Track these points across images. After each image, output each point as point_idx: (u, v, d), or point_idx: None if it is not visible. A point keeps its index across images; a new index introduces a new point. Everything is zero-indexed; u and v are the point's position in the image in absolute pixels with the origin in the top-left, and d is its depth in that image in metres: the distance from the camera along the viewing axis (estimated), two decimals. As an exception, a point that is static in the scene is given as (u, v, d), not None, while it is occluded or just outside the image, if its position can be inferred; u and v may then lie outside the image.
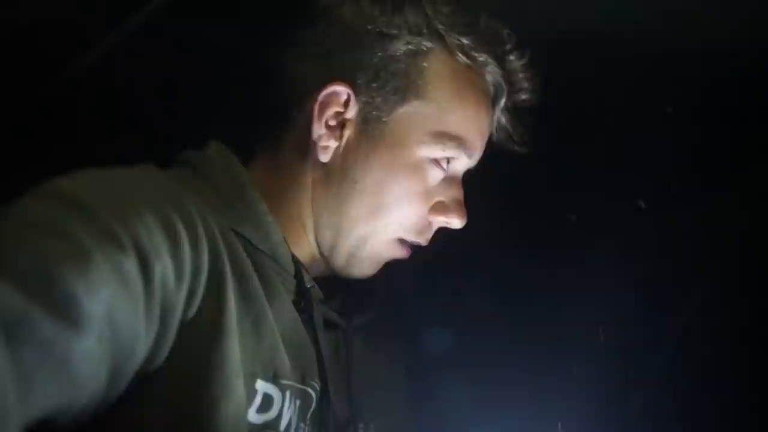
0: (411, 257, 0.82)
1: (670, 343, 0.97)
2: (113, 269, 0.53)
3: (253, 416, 0.66)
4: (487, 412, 0.96)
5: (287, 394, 0.69)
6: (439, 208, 0.78)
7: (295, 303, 0.74)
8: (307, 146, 0.76)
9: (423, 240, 0.79)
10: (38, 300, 0.48)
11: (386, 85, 0.74)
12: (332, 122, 0.75)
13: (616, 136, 0.98)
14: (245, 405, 0.64)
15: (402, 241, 0.78)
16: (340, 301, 0.84)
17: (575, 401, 0.95)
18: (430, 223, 0.78)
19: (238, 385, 0.63)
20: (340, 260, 0.78)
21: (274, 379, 0.68)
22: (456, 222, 0.78)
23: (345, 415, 0.77)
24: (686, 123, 0.95)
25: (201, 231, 0.63)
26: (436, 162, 0.75)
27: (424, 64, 0.74)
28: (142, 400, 0.58)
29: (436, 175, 0.76)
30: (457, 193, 0.78)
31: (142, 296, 0.55)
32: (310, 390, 0.73)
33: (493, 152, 0.85)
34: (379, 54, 0.74)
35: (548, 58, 0.79)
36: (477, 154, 0.79)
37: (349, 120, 0.75)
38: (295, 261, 0.75)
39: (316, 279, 0.78)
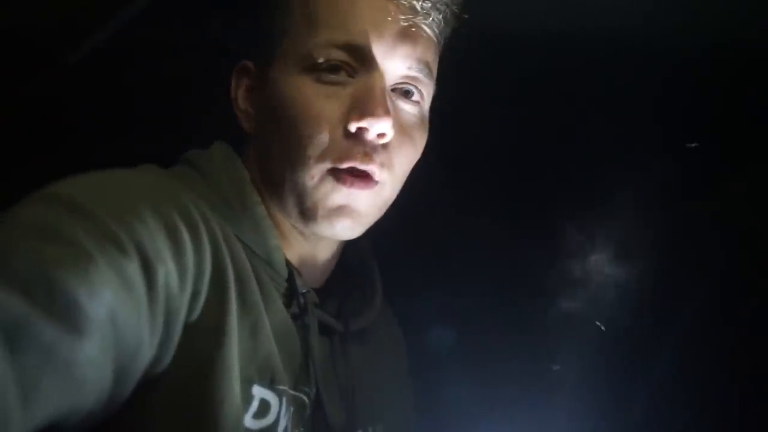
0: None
1: (673, 342, 0.97)
2: (115, 273, 0.53)
3: (249, 422, 0.65)
4: (490, 412, 0.96)
5: (284, 400, 0.69)
6: (351, 114, 0.69)
7: (288, 307, 0.73)
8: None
9: (361, 160, 0.69)
10: (40, 305, 0.47)
11: (268, 40, 0.74)
12: (247, 96, 0.77)
13: (617, 132, 0.98)
14: (242, 410, 0.64)
15: (337, 173, 0.70)
16: (336, 305, 0.82)
17: (578, 400, 0.95)
18: (352, 135, 0.69)
19: (237, 389, 0.63)
20: (298, 218, 0.72)
21: (271, 384, 0.68)
22: (368, 120, 0.68)
23: (341, 422, 0.77)
24: (688, 122, 0.95)
25: (204, 234, 0.63)
26: (315, 70, 0.69)
27: (288, 1, 0.73)
28: (146, 403, 0.58)
29: (320, 82, 0.70)
30: (365, 90, 0.69)
31: (145, 300, 0.55)
32: (303, 396, 0.73)
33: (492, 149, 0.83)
34: (257, 18, 0.76)
35: (550, 54, 0.78)
36: (364, 37, 0.69)
37: (254, 86, 0.76)
38: (289, 265, 0.74)
39: (313, 284, 0.78)
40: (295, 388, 0.71)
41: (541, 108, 1.00)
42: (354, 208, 0.72)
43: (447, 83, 0.78)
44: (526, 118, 1.02)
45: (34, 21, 0.87)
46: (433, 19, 0.72)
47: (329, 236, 0.75)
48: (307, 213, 0.71)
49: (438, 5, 0.72)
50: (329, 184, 0.70)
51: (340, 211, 0.71)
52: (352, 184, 0.70)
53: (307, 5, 0.71)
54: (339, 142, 0.69)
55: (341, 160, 0.69)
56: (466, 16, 0.75)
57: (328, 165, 0.70)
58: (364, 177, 0.70)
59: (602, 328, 0.98)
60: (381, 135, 0.69)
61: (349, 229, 0.73)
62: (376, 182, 0.71)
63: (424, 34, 0.72)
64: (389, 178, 0.73)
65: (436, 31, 0.74)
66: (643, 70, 0.94)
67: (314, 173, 0.70)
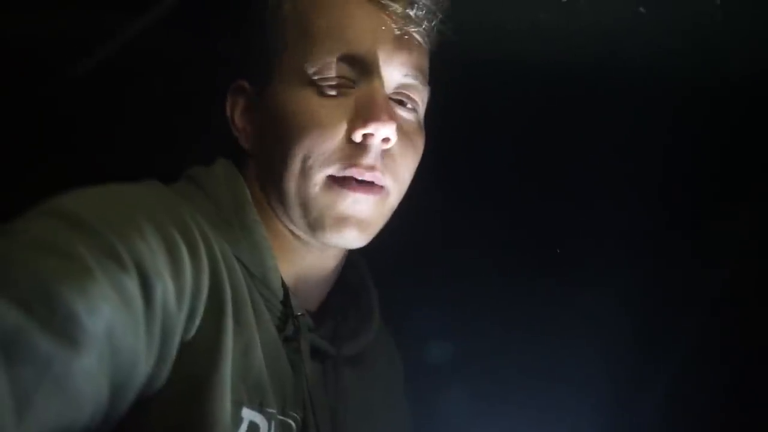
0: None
1: (673, 356, 0.97)
2: (114, 288, 0.53)
3: None
4: (488, 425, 0.96)
5: (272, 423, 0.68)
6: (355, 122, 0.69)
7: (280, 330, 0.73)
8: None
9: (361, 167, 0.70)
10: (38, 318, 0.47)
11: (263, 58, 0.74)
12: (244, 114, 0.77)
13: (615, 157, 0.99)
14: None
15: (342, 180, 0.70)
16: (331, 327, 0.81)
17: (576, 417, 0.95)
18: (357, 144, 0.70)
19: (228, 410, 0.62)
20: (307, 229, 0.72)
21: (260, 407, 0.67)
22: (374, 126, 0.68)
23: None
24: (686, 147, 0.96)
25: (203, 253, 0.63)
26: (316, 84, 0.70)
27: (282, 18, 0.73)
28: (140, 423, 0.57)
29: (322, 94, 0.70)
30: (367, 99, 0.70)
31: (143, 316, 0.55)
32: (290, 421, 0.72)
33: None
34: (252, 37, 0.76)
35: (552, 76, 0.79)
36: (361, 48, 0.70)
37: (252, 105, 0.76)
38: (285, 287, 0.74)
39: (310, 305, 0.78)
40: (283, 412, 0.71)
41: (539, 133, 1.01)
42: (361, 217, 0.72)
43: (453, 99, 0.79)
44: (524, 137, 1.04)
45: (38, 33, 0.87)
46: (424, 27, 0.73)
47: (338, 246, 0.75)
48: (314, 223, 0.71)
49: (429, 14, 0.73)
50: (334, 191, 0.70)
51: (348, 220, 0.71)
52: (356, 189, 0.70)
53: (301, 20, 0.72)
54: (342, 150, 0.70)
55: (343, 167, 0.70)
56: (451, 25, 0.76)
57: (329, 171, 0.70)
58: (368, 183, 0.71)
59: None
60: (385, 140, 0.70)
61: (356, 238, 0.73)
62: (381, 187, 0.72)
63: (416, 42, 0.74)
64: (393, 185, 0.74)
65: (427, 38, 0.75)
66: (637, 101, 0.95)
67: (316, 181, 0.70)
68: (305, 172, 0.70)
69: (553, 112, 0.99)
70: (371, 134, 0.69)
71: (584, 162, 1.01)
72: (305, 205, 0.71)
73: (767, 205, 0.97)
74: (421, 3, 0.72)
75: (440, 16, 0.75)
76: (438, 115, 0.79)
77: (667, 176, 0.99)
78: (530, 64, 0.93)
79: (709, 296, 0.98)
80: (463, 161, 1.03)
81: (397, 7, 0.71)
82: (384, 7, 0.71)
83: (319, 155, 0.69)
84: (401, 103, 0.74)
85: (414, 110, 0.75)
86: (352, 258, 0.84)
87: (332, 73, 0.70)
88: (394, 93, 0.73)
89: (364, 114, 0.69)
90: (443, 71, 0.77)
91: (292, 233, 0.75)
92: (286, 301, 0.73)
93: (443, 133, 0.79)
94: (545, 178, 1.05)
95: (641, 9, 0.79)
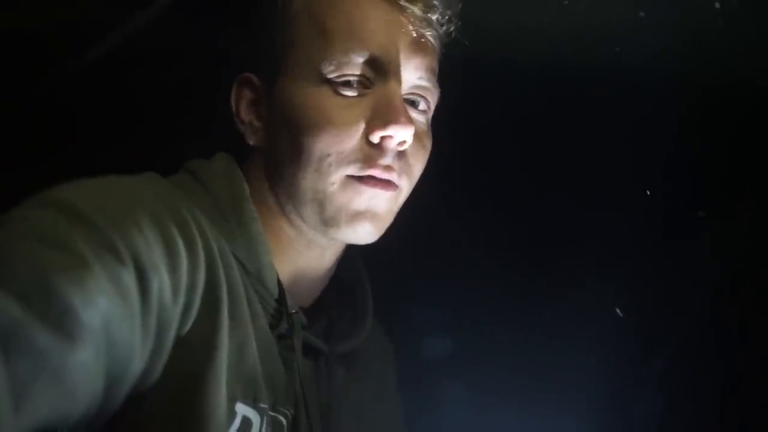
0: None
1: (673, 356, 0.98)
2: (111, 281, 0.53)
3: None
4: (484, 424, 0.96)
5: (264, 418, 0.69)
6: (374, 123, 0.70)
7: (273, 327, 0.73)
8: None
9: (379, 167, 0.70)
10: (35, 310, 0.48)
11: (273, 52, 0.74)
12: (250, 108, 0.76)
13: (617, 158, 0.99)
14: (226, 427, 0.64)
15: (359, 179, 0.71)
16: (325, 324, 0.82)
17: (574, 412, 0.96)
18: (374, 144, 0.70)
19: (223, 405, 0.63)
20: (320, 225, 0.73)
21: (253, 402, 0.68)
22: (393, 128, 0.69)
23: None
24: (686, 149, 0.96)
25: (200, 247, 0.63)
26: (332, 83, 0.70)
27: (293, 14, 0.73)
28: (134, 418, 0.58)
29: (338, 93, 0.70)
30: (386, 100, 0.70)
31: (138, 310, 0.55)
32: (281, 417, 0.72)
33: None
34: (260, 30, 0.76)
35: (555, 78, 0.79)
36: (380, 49, 0.70)
37: (260, 99, 0.76)
38: (280, 285, 0.74)
39: (304, 302, 0.78)
40: (273, 408, 0.71)
41: (541, 134, 1.02)
42: (375, 212, 0.72)
43: (455, 100, 0.80)
44: (526, 138, 1.04)
45: (40, 25, 0.87)
46: (438, 31, 0.74)
47: (349, 241, 0.76)
48: (329, 220, 0.72)
49: (446, 17, 0.74)
50: (351, 188, 0.71)
51: (363, 215, 0.72)
52: (375, 185, 0.71)
53: (316, 17, 0.71)
54: (360, 151, 0.70)
55: (362, 168, 0.70)
56: (460, 23, 0.76)
57: (348, 171, 0.70)
58: (385, 181, 0.72)
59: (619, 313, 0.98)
60: (401, 142, 0.71)
61: (370, 233, 0.73)
62: (396, 186, 0.73)
63: (430, 44, 0.74)
64: (407, 184, 0.75)
65: (439, 40, 0.76)
66: (640, 103, 0.95)
67: (334, 180, 0.70)
68: (322, 171, 0.70)
69: (555, 113, 0.99)
70: (390, 136, 0.69)
71: (585, 163, 1.02)
72: (321, 202, 0.71)
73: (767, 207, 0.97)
74: (439, 7, 0.73)
75: (456, 20, 0.75)
76: (441, 116, 0.80)
77: (668, 177, 1.00)
78: (532, 65, 0.94)
79: (709, 297, 0.98)
80: (464, 160, 1.03)
81: (416, 10, 0.72)
82: (402, 9, 0.71)
83: (337, 155, 0.70)
84: (413, 103, 0.74)
85: (425, 111, 0.76)
86: (348, 254, 0.84)
87: (349, 72, 0.70)
88: (407, 94, 0.73)
89: (383, 116, 0.69)
90: (447, 72, 0.78)
91: (296, 230, 0.75)
92: (280, 298, 0.74)
93: (446, 133, 0.80)
94: (546, 179, 1.05)
95: (641, 14, 0.79)
